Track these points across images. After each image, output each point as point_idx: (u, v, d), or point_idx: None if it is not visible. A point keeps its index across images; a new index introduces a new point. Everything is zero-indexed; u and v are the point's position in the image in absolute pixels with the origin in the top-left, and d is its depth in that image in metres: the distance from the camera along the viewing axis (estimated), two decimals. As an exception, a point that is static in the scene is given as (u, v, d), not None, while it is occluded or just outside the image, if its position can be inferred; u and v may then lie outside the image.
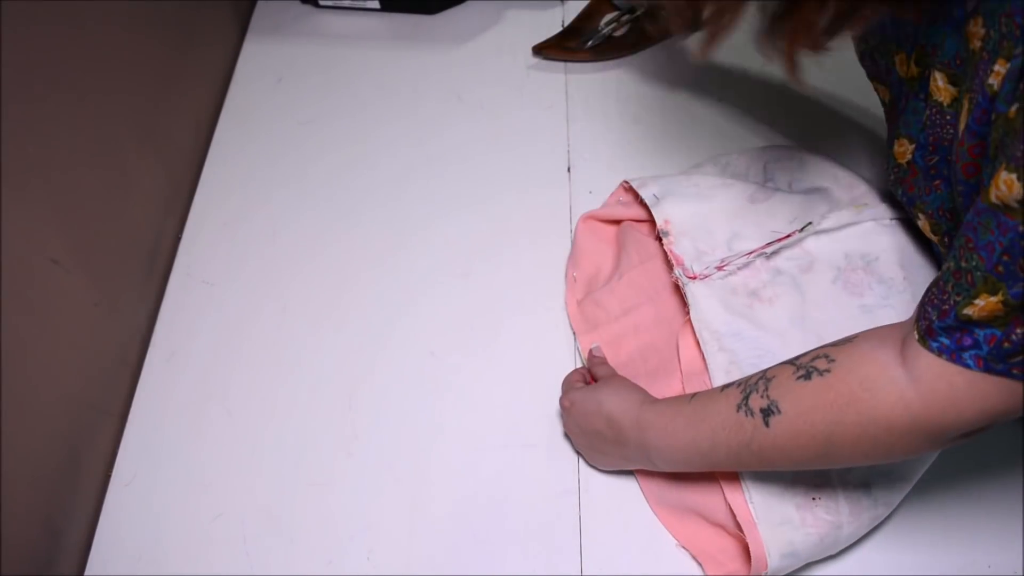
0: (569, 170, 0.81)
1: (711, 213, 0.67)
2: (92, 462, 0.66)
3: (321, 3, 0.96)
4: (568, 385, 0.65)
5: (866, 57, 0.60)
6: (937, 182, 0.54)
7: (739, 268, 0.64)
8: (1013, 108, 0.38)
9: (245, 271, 0.76)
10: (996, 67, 0.40)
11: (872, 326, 0.51)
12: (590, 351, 0.67)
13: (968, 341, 0.41)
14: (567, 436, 0.65)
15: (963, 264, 0.42)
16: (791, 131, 0.81)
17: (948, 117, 0.51)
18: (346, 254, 0.77)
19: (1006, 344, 0.40)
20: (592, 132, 0.84)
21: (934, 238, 0.57)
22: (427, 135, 0.85)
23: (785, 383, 0.50)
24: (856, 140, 0.80)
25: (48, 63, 0.61)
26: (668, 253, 0.65)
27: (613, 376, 0.63)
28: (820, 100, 0.84)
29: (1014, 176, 0.37)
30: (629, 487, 0.63)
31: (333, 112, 0.87)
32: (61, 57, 0.62)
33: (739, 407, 0.51)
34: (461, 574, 0.60)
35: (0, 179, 0.55)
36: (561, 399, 0.64)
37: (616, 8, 0.93)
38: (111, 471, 0.66)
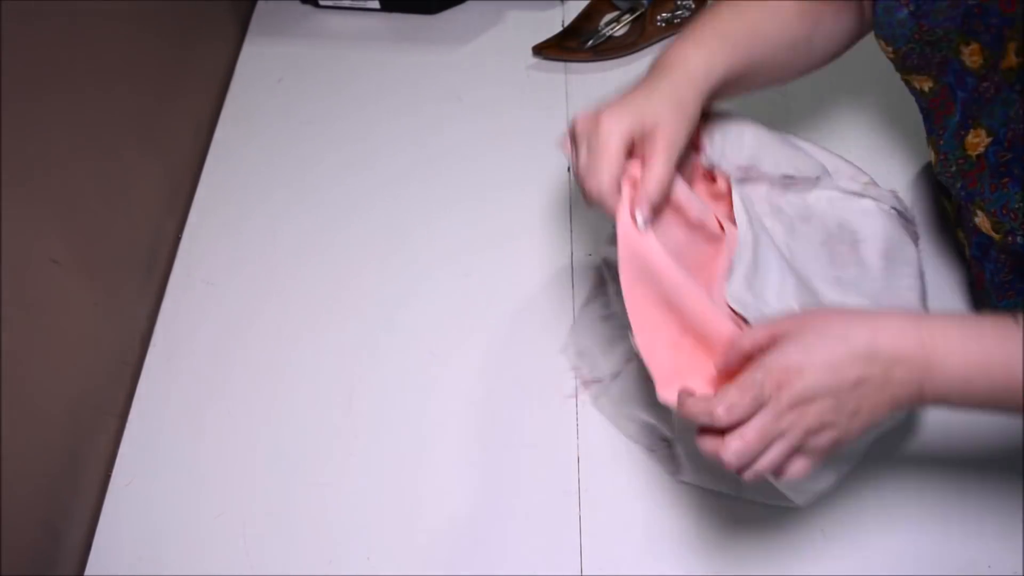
0: (569, 170, 0.81)
1: (745, 130, 0.61)
2: (92, 462, 0.66)
3: (321, 3, 0.96)
4: (735, 391, 0.43)
5: (913, 53, 0.56)
6: (1005, 180, 0.52)
7: (748, 181, 0.59)
8: None
9: (245, 271, 0.76)
10: None
11: (839, 301, 0.48)
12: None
13: None
14: (768, 454, 0.43)
15: None
16: (792, 130, 0.81)
17: None
18: (346, 254, 0.77)
19: None
20: (592, 132, 0.84)
21: (995, 236, 0.54)
22: (427, 135, 0.85)
23: None
24: (857, 137, 0.80)
25: (48, 63, 0.61)
26: (695, 143, 0.57)
27: (803, 319, 0.45)
28: (821, 97, 0.83)
29: None
30: (629, 487, 0.63)
31: (333, 112, 0.87)
32: (61, 57, 0.62)
33: None
34: (461, 574, 0.60)
35: (0, 179, 0.55)
36: (761, 385, 0.43)
37: (616, 8, 0.93)
38: (111, 472, 0.66)
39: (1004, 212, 0.52)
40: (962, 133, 0.55)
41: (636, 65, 0.89)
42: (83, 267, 0.64)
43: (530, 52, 0.90)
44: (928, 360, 0.44)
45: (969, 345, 0.44)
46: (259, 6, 0.97)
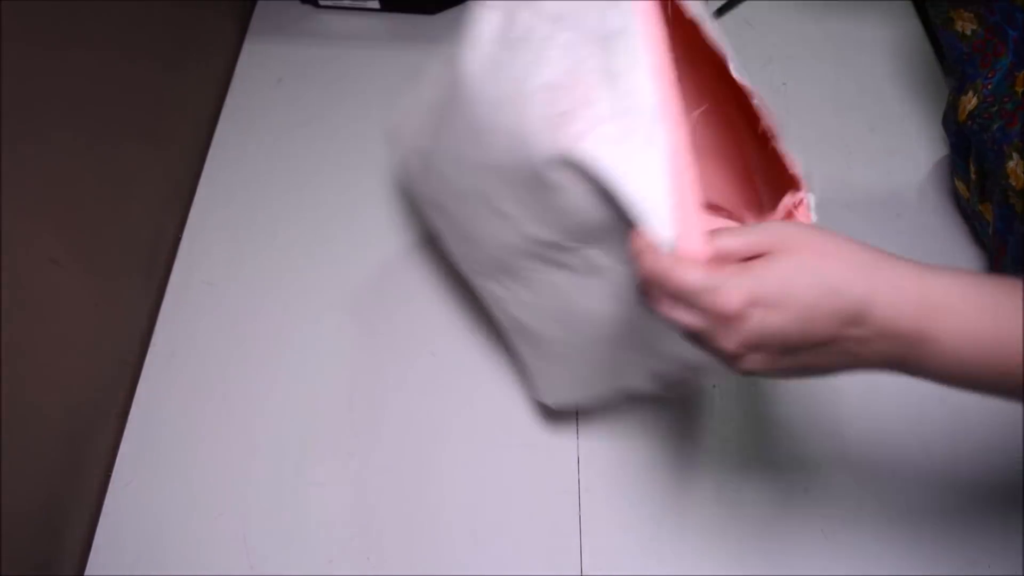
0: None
1: None
2: (92, 462, 0.66)
3: (321, 3, 0.96)
4: (708, 278, 0.35)
5: None
6: None
7: None
8: None
9: (245, 271, 0.76)
10: None
11: None
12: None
13: None
14: (733, 360, 0.37)
15: None
16: (793, 131, 0.81)
17: None
18: (346, 254, 0.77)
19: None
20: (592, 132, 0.84)
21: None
22: (427, 135, 0.85)
23: None
24: (868, 136, 0.80)
25: (48, 62, 0.61)
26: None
27: (796, 232, 0.37)
28: (823, 99, 0.83)
29: None
30: (629, 487, 0.63)
31: (333, 112, 0.87)
32: (61, 56, 0.62)
33: None
34: (461, 574, 0.60)
35: (0, 179, 0.55)
36: (726, 302, 0.35)
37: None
38: (111, 471, 0.66)
39: None
40: (1016, 73, 0.53)
41: (636, 65, 0.89)
42: (83, 267, 0.64)
43: (530, 52, 0.90)
44: (922, 336, 0.36)
45: (976, 321, 0.36)
46: (259, 6, 0.97)
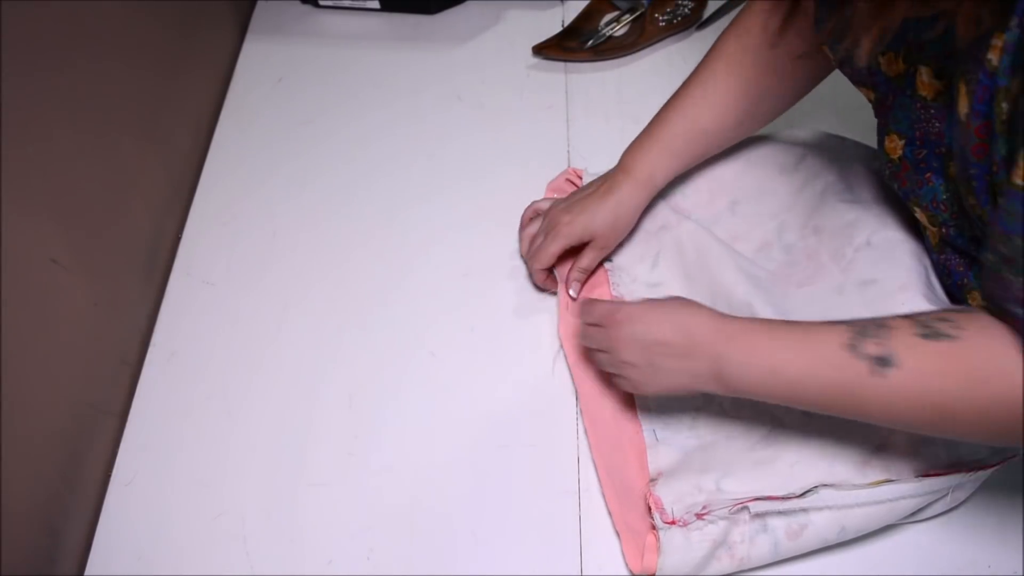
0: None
1: (707, 455, 0.61)
2: (92, 462, 0.66)
3: (321, 3, 0.96)
4: (600, 306, 0.60)
5: (845, 63, 0.60)
6: (928, 175, 0.54)
7: (721, 519, 0.56)
8: None
9: (245, 271, 0.76)
10: (993, 40, 0.40)
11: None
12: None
13: None
14: (597, 355, 0.61)
15: (1003, 251, 0.42)
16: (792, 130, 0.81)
17: (932, 111, 0.51)
18: (346, 254, 0.77)
19: None
20: (592, 132, 0.84)
21: (932, 229, 0.57)
22: (427, 135, 0.85)
23: (905, 337, 0.47)
24: (864, 140, 0.80)
25: (48, 63, 0.61)
26: (647, 496, 0.59)
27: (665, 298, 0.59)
28: (822, 100, 0.83)
29: None
30: (629, 487, 0.63)
31: (333, 112, 0.87)
32: (61, 57, 0.62)
33: (850, 347, 0.48)
34: (461, 574, 0.60)
35: (0, 179, 0.55)
36: (609, 314, 0.59)
37: (616, 8, 0.93)
38: (111, 471, 0.66)
39: (935, 205, 0.54)
40: (883, 138, 0.57)
41: (636, 65, 0.90)
42: (83, 267, 0.64)
43: (530, 52, 0.90)
44: (718, 353, 0.53)
45: (755, 338, 0.53)
46: (259, 6, 0.97)
